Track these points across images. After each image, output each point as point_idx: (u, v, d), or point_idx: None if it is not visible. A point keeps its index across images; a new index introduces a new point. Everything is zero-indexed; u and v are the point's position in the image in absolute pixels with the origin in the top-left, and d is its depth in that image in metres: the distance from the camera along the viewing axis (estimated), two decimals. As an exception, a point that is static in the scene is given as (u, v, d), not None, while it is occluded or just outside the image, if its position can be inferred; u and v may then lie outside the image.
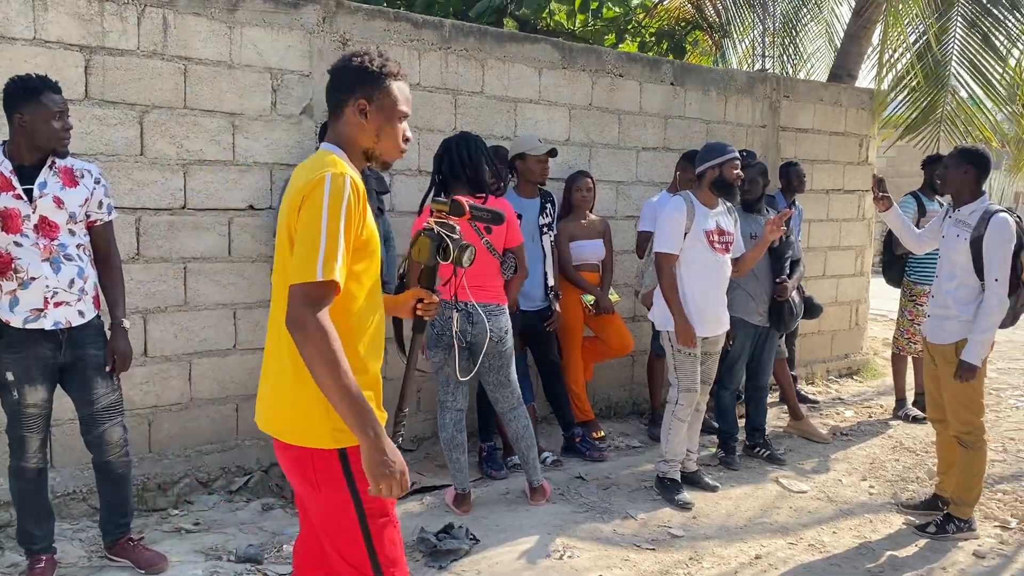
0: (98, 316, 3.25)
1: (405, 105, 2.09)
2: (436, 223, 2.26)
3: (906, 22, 7.17)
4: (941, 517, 4.05)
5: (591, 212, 5.24)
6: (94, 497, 3.70)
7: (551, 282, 4.82)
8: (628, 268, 5.76)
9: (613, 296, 5.18)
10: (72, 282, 3.09)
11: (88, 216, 3.19)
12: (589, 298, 5.04)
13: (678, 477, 4.42)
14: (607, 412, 5.78)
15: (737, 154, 4.31)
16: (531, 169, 4.70)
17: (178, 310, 4.18)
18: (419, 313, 2.34)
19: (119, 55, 3.91)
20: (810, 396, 6.51)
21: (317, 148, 4.12)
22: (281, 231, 2.02)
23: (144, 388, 4.11)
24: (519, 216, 4.71)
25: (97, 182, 3.20)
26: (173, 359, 4.18)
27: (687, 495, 4.35)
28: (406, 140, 2.12)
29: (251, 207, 4.32)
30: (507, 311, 4.01)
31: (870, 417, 6.11)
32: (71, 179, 3.12)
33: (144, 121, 4.00)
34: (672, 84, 5.96)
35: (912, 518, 4.23)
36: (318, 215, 1.87)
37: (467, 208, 2.31)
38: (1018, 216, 3.90)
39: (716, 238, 4.26)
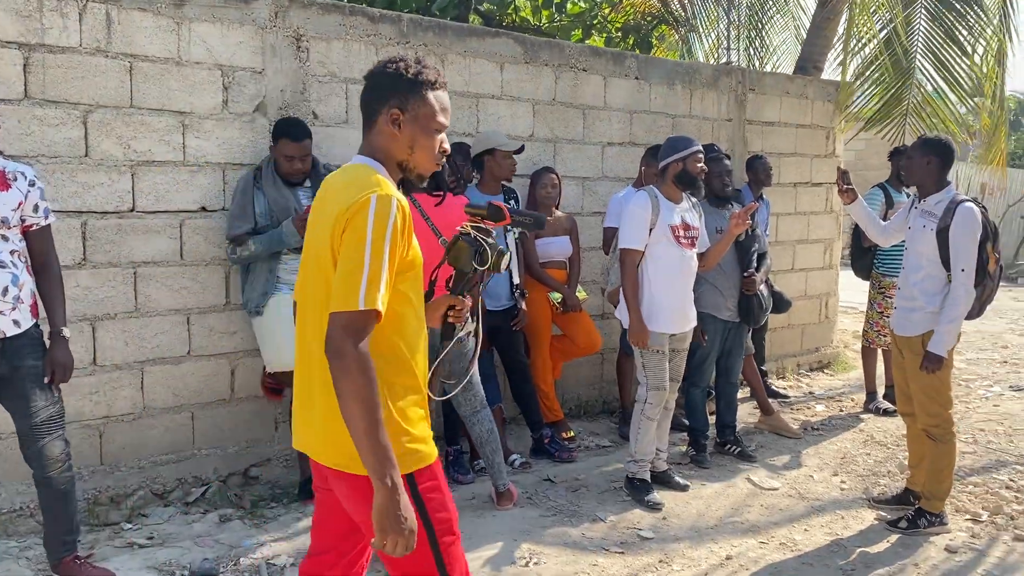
0: (36, 325, 3.10)
1: (443, 116, 1.99)
2: (472, 228, 2.17)
3: (872, 10, 7.13)
4: (912, 512, 4.01)
5: (557, 209, 5.16)
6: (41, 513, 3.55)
7: (516, 280, 4.73)
8: (596, 265, 5.68)
9: (580, 294, 5.09)
10: (6, 290, 2.94)
11: (23, 220, 3.04)
12: (556, 296, 4.95)
13: (648, 477, 4.34)
14: (577, 411, 5.70)
15: (700, 148, 4.25)
16: (500, 165, 4.62)
17: (128, 316, 4.03)
18: (451, 320, 2.25)
19: (60, 52, 3.76)
20: (781, 391, 6.48)
21: (271, 147, 4.08)
22: (314, 247, 1.94)
23: (94, 398, 3.95)
24: (482, 214, 4.61)
25: (32, 184, 3.05)
26: (124, 367, 4.03)
27: (657, 495, 4.27)
28: (443, 152, 2.02)
29: (203, 208, 4.18)
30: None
31: (841, 411, 6.08)
32: (3, 182, 2.96)
33: (88, 121, 3.85)
34: (636, 78, 5.89)
35: (884, 513, 4.18)
36: (362, 240, 1.79)
37: (508, 213, 2.22)
38: (983, 206, 3.87)
39: (681, 233, 4.19)
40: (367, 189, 1.84)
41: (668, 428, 4.50)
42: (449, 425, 4.62)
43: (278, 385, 4.24)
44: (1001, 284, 3.96)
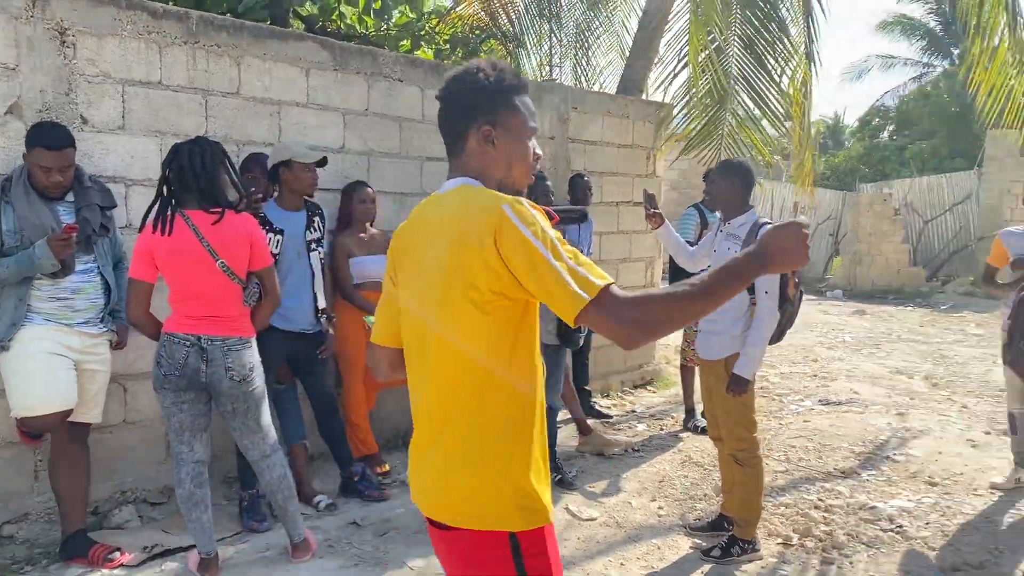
0: None
1: (532, 120, 1.84)
2: None
3: (704, 22, 7.21)
4: (726, 540, 3.96)
5: (372, 225, 4.84)
6: None
7: (322, 304, 4.36)
8: (413, 286, 5.38)
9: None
10: None
11: None
12: (372, 319, 4.61)
13: (461, 514, 4.07)
14: (394, 442, 5.38)
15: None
16: (298, 178, 4.21)
17: None
18: None
19: None
20: (604, 411, 6.42)
21: (24, 156, 3.50)
22: (416, 276, 1.82)
23: None
24: (280, 231, 4.22)
25: None
26: None
27: (470, 534, 4.01)
28: (537, 158, 1.87)
29: (-62, 226, 3.55)
30: (253, 345, 3.48)
31: (661, 430, 6.08)
32: None
33: None
34: (456, 91, 5.65)
35: (699, 541, 4.12)
36: (532, 252, 1.61)
37: (553, 213, 1.95)
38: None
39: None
40: (491, 204, 1.67)
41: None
42: (244, 467, 4.16)
43: (36, 429, 3.65)
44: (811, 298, 4.01)
